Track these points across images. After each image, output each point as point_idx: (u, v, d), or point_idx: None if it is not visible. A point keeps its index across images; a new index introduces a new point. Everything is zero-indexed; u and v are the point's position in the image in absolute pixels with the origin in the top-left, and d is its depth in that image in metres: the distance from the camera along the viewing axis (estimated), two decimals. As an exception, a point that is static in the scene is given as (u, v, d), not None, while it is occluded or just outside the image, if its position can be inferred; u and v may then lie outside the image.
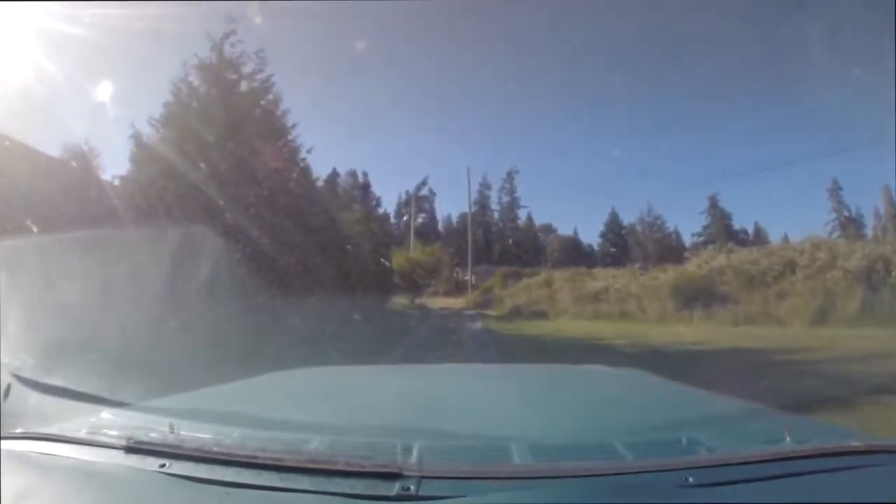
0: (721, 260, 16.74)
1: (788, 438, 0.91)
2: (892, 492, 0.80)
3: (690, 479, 0.75)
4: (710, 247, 19.25)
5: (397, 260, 26.59)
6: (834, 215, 26.96)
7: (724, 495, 0.75)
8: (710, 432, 1.04)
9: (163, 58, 11.18)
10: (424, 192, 38.14)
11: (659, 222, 34.17)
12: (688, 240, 32.66)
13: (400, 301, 25.84)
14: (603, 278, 21.19)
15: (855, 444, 0.90)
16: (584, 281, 21.62)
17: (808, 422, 1.24)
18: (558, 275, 24.29)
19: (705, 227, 32.10)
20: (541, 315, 19.93)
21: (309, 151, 12.80)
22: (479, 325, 16.18)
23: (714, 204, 32.35)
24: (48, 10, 8.20)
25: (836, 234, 23.04)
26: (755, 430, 1.16)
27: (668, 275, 17.80)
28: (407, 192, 35.78)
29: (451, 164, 49.04)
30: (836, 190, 27.12)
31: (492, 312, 22.99)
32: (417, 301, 27.51)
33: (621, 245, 33.38)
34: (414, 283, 27.62)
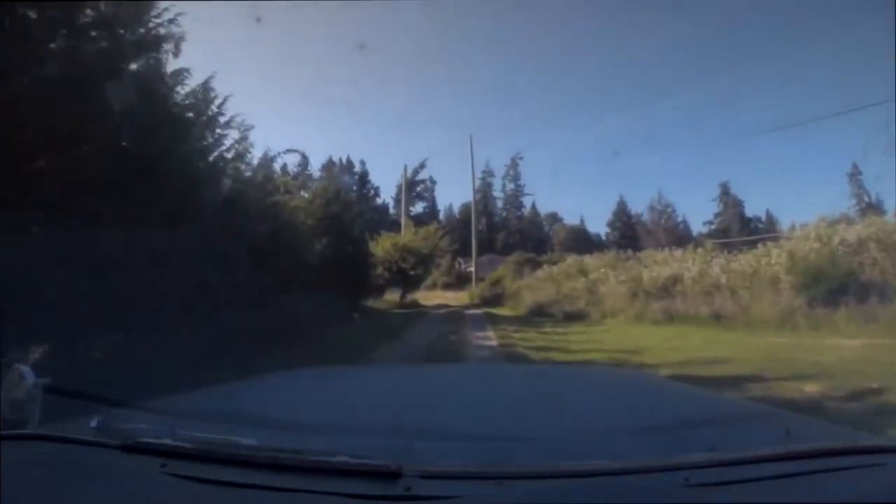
0: (850, 231, 10.56)
1: (788, 438, 0.91)
2: (892, 492, 0.80)
3: (690, 479, 0.75)
4: (818, 216, 12.03)
5: (382, 246, 21.61)
6: (853, 201, 25.27)
7: (724, 495, 0.75)
8: (710, 432, 1.05)
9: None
10: (423, 176, 35.13)
11: (670, 210, 33.42)
12: (697, 228, 31.36)
13: (389, 297, 21.56)
14: (662, 263, 15.15)
15: (855, 444, 0.90)
16: (633, 268, 16.00)
17: (808, 422, 1.24)
18: (593, 260, 19.11)
19: (717, 215, 31.29)
20: (580, 317, 14.80)
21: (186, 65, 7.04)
22: (491, 338, 10.63)
23: (726, 191, 31.50)
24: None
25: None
26: (755, 430, 1.16)
27: (767, 255, 11.74)
28: (405, 166, 31.93)
29: (453, 155, 47.90)
30: (856, 175, 25.65)
31: (504, 312, 18.70)
32: (409, 297, 22.90)
33: (630, 234, 32.12)
34: (404, 274, 22.06)
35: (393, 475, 0.75)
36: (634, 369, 2.20)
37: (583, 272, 18.36)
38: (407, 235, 23.98)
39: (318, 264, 12.34)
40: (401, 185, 33.80)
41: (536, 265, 24.01)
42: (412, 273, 22.37)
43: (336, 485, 0.74)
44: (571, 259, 20.84)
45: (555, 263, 21.68)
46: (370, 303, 18.61)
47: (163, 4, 6.81)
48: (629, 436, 1.02)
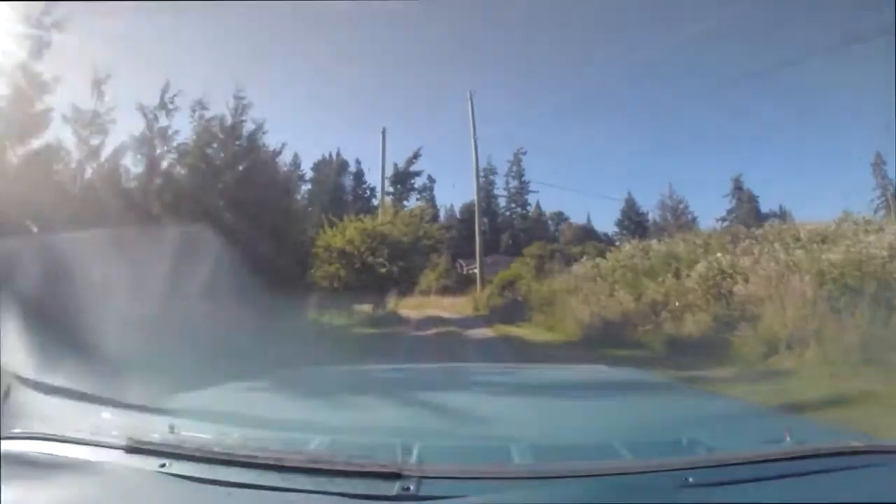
0: None
1: (788, 438, 0.91)
2: (892, 492, 0.80)
3: (690, 479, 0.75)
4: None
5: (344, 233, 14.54)
6: (878, 192, 24.05)
7: (724, 495, 0.75)
8: (710, 432, 1.05)
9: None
10: (419, 167, 32.82)
11: (682, 206, 30.39)
12: (709, 225, 29.85)
13: (361, 308, 15.02)
14: (819, 240, 8.48)
15: (855, 444, 0.90)
16: (761, 248, 8.97)
17: (808, 422, 1.25)
18: (668, 245, 11.80)
19: (730, 211, 29.91)
20: (711, 350, 7.15)
21: None
22: None
23: (739, 186, 30.33)
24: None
25: (882, 213, 17.74)
26: (755, 430, 1.16)
27: None
28: (383, 129, 22.88)
29: (454, 152, 46.33)
30: (879, 164, 24.39)
31: (537, 335, 10.86)
32: (388, 307, 16.39)
33: (641, 233, 31.31)
34: (372, 274, 14.40)
35: (393, 475, 0.75)
36: (634, 369, 2.20)
37: (674, 258, 10.35)
38: (383, 219, 16.61)
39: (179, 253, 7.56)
40: (394, 173, 27.72)
41: (567, 259, 17.27)
42: (384, 271, 14.63)
43: (336, 485, 0.75)
44: (630, 246, 13.30)
45: (602, 254, 14.00)
46: (326, 317, 12.68)
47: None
48: (629, 436, 1.02)
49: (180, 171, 9.95)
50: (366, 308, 15.27)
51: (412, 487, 0.73)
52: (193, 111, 10.41)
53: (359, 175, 33.87)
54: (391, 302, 16.89)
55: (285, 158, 12.90)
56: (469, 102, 23.14)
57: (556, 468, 0.80)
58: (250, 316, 7.79)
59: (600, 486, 0.76)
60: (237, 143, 10.74)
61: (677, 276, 9.76)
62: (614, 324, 9.85)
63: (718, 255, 9.38)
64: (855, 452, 0.87)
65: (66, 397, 1.05)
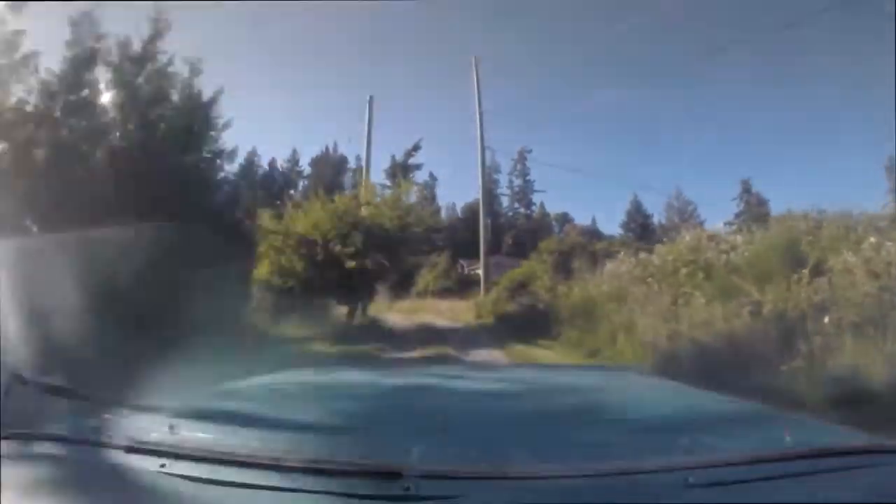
0: None
1: (788, 438, 0.91)
2: (892, 492, 0.80)
3: (691, 479, 0.75)
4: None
5: (314, 215, 11.41)
6: (890, 197, 23.84)
7: (724, 495, 0.75)
8: (710, 432, 1.05)
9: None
10: (417, 160, 28.21)
11: (690, 208, 30.07)
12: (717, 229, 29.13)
13: (339, 313, 12.09)
14: None
15: (855, 444, 0.90)
16: None
17: (808, 422, 1.24)
18: (778, 232, 7.91)
19: (738, 215, 29.55)
20: None
21: None
22: None
23: (747, 189, 29.60)
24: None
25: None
26: (755, 430, 1.15)
27: None
28: (370, 97, 20.05)
29: (456, 152, 45.48)
30: (892, 167, 24.64)
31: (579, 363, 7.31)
32: (370, 313, 13.27)
33: (647, 236, 27.45)
34: (340, 270, 10.86)
35: (393, 475, 0.75)
36: (634, 369, 2.22)
37: (798, 241, 6.94)
38: (364, 198, 12.85)
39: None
40: (392, 165, 25.52)
41: (594, 256, 14.12)
42: (355, 266, 10.85)
43: (336, 485, 0.75)
44: (691, 236, 9.71)
45: (646, 249, 10.75)
46: (281, 327, 9.72)
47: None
48: (629, 436, 1.02)
49: (34, 100, 6.67)
50: (344, 313, 12.16)
51: (413, 487, 0.73)
52: (75, 24, 7.28)
53: (359, 171, 33.15)
54: (378, 306, 13.81)
55: (222, 109, 9.13)
56: (473, 70, 20.05)
57: (556, 468, 0.80)
58: (153, 323, 5.42)
59: (600, 486, 0.76)
60: (147, 76, 7.62)
61: (817, 275, 5.99)
62: (711, 350, 6.10)
63: (872, 240, 5.97)
64: (855, 452, 0.87)
65: (66, 397, 1.05)
